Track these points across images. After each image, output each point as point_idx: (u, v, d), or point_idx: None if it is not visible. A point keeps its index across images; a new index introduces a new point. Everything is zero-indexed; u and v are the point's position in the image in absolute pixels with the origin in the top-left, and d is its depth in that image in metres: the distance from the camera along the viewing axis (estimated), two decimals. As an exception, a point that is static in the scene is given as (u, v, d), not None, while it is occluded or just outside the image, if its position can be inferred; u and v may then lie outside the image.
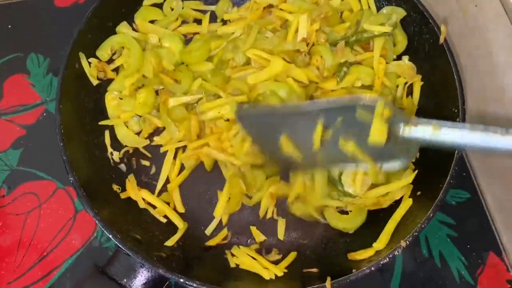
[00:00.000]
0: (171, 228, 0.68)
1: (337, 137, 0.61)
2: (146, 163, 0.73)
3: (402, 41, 0.74)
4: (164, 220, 0.69)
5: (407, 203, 0.65)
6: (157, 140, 0.73)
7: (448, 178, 0.60)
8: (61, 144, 0.62)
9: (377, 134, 0.58)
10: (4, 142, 0.84)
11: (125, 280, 0.57)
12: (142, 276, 0.57)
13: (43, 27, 0.93)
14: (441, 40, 0.68)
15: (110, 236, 0.58)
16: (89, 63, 0.72)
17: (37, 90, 0.88)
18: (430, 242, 0.77)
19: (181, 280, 0.55)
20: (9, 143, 0.83)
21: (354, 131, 0.61)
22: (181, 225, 0.68)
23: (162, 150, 0.72)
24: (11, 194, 0.80)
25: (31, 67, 0.90)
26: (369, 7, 0.76)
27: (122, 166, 0.72)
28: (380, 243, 0.63)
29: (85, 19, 0.70)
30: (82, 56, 0.70)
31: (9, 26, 0.93)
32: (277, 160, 0.66)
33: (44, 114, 0.86)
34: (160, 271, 0.56)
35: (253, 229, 0.69)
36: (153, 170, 0.73)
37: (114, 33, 0.75)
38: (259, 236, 0.69)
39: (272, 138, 0.64)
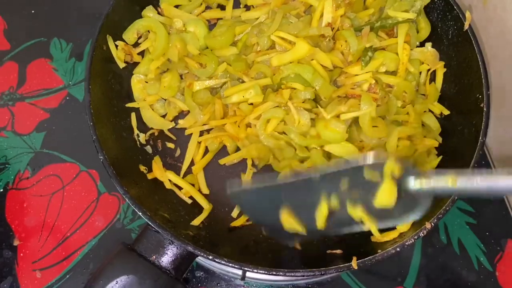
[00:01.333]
0: (196, 208, 0.69)
1: (343, 203, 0.56)
2: (171, 145, 0.74)
3: (425, 28, 0.74)
4: (189, 201, 0.69)
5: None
6: (181, 123, 0.73)
7: (472, 163, 0.60)
8: (91, 123, 0.63)
9: (386, 196, 0.53)
10: (28, 125, 0.84)
11: (154, 256, 0.57)
12: (171, 252, 0.58)
13: (66, 13, 0.94)
14: (466, 26, 0.68)
15: (140, 213, 0.58)
16: (116, 46, 0.72)
17: (59, 75, 0.88)
18: (449, 229, 0.77)
19: (210, 257, 0.55)
20: (33, 126, 0.84)
21: (361, 192, 0.55)
22: (206, 205, 0.68)
23: (186, 132, 0.72)
24: (35, 176, 0.80)
25: (54, 52, 0.90)
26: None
27: (148, 148, 0.73)
28: (404, 225, 0.64)
29: (112, 2, 0.70)
30: (109, 39, 0.71)
31: (32, 11, 0.93)
32: (281, 233, 0.59)
33: (67, 98, 0.87)
34: (189, 248, 0.56)
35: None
36: (178, 152, 0.74)
37: (140, 16, 0.76)
38: None
39: (272, 214, 0.58)
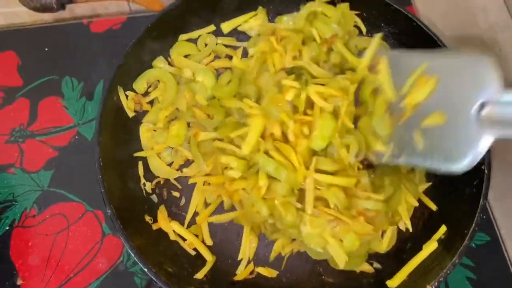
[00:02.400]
0: (199, 260, 0.70)
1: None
2: (176, 194, 0.75)
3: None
4: (193, 253, 0.70)
5: (432, 246, 0.66)
6: (186, 171, 0.74)
7: (473, 224, 0.61)
8: (100, 176, 0.64)
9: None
10: (37, 162, 0.85)
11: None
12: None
13: (78, 52, 0.95)
14: None
15: (146, 270, 0.59)
16: (126, 96, 0.73)
17: (70, 113, 0.90)
18: (449, 283, 0.77)
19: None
20: (42, 164, 0.85)
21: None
22: (209, 257, 0.69)
23: (190, 181, 0.73)
24: (41, 214, 0.81)
25: (65, 90, 0.92)
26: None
27: (154, 197, 0.74)
28: (394, 282, 0.65)
29: (125, 54, 0.71)
30: (120, 90, 0.72)
31: (46, 49, 0.95)
32: None
33: (76, 136, 0.88)
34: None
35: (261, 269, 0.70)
36: (182, 201, 0.75)
37: (150, 66, 0.77)
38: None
39: None
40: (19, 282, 0.76)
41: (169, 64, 0.78)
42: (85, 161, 0.85)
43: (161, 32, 0.77)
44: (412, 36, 0.74)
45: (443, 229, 0.67)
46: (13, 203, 0.82)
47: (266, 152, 0.65)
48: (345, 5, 0.78)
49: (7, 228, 0.80)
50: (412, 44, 0.73)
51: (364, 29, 0.80)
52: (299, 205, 0.65)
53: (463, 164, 0.54)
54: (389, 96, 0.63)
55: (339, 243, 0.64)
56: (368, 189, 0.65)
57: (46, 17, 0.99)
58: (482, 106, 0.51)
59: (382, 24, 0.79)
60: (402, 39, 0.78)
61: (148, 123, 0.75)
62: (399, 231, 0.71)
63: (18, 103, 0.90)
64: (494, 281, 0.78)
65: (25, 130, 0.88)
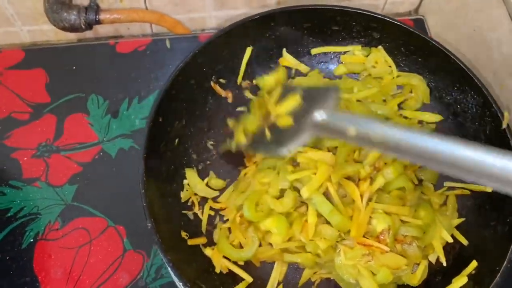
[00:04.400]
0: (230, 278, 0.71)
1: None
2: (211, 212, 0.77)
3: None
4: (226, 270, 0.71)
5: (461, 281, 0.66)
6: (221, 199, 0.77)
7: (505, 261, 0.62)
8: (142, 191, 0.65)
9: None
10: (62, 177, 0.87)
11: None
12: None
13: (104, 71, 0.97)
14: (504, 125, 0.71)
15: (181, 283, 0.60)
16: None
17: (94, 130, 0.92)
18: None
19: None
20: (66, 178, 0.87)
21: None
22: (247, 278, 0.70)
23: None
24: (64, 228, 0.82)
25: (91, 107, 0.94)
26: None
27: (190, 214, 0.76)
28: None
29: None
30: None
31: (74, 68, 0.97)
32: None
33: (101, 153, 0.89)
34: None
35: None
36: (217, 219, 0.77)
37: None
38: None
39: None
40: (41, 294, 0.77)
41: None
42: (109, 178, 0.87)
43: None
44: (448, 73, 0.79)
45: (473, 264, 0.67)
46: (38, 216, 0.83)
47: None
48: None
49: (31, 240, 0.81)
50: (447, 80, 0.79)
51: (395, 73, 0.84)
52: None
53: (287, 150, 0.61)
54: None
55: (372, 275, 0.65)
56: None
57: (71, 36, 1.02)
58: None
59: (420, 60, 0.82)
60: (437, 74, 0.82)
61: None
62: (429, 264, 0.71)
63: (45, 119, 0.92)
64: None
65: (51, 145, 0.90)
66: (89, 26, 0.99)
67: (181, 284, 0.61)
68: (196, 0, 0.98)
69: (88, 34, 1.02)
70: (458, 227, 0.74)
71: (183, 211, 0.76)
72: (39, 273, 0.79)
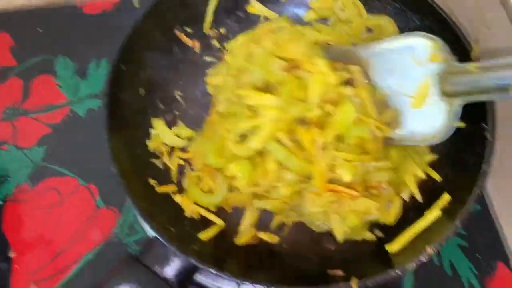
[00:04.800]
0: (201, 223, 0.70)
1: None
2: (181, 162, 0.75)
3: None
4: (198, 217, 0.70)
5: (434, 214, 0.65)
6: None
7: (475, 188, 0.61)
8: (108, 136, 0.64)
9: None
10: (30, 139, 0.85)
11: (157, 267, 0.58)
12: (175, 265, 0.59)
13: (72, 33, 0.96)
14: (473, 58, 0.69)
15: (149, 227, 0.59)
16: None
17: (63, 91, 0.90)
18: (441, 251, 0.78)
19: (212, 271, 0.56)
20: (35, 140, 0.85)
21: None
22: (219, 222, 0.69)
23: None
24: (34, 189, 0.80)
25: (59, 69, 0.92)
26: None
27: (159, 163, 0.74)
28: (393, 246, 0.65)
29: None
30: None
31: (40, 30, 0.95)
32: None
33: (70, 114, 0.87)
34: (193, 261, 0.57)
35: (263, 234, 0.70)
36: (187, 168, 0.75)
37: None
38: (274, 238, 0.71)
39: None
40: (11, 254, 0.75)
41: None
42: (78, 138, 0.85)
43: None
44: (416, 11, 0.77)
45: (446, 196, 0.67)
46: (6, 178, 0.81)
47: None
48: None
49: (0, 203, 0.79)
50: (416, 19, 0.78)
51: (364, 15, 0.82)
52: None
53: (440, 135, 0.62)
54: None
55: (341, 219, 0.64)
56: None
57: (40, 2, 0.99)
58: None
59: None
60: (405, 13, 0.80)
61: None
62: (404, 202, 0.71)
63: (11, 82, 0.90)
64: (485, 248, 0.78)
65: (18, 108, 0.88)
66: (55, -11, 0.97)
67: (151, 229, 0.59)
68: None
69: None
70: (431, 165, 0.73)
71: (152, 160, 0.74)
72: (8, 234, 0.77)
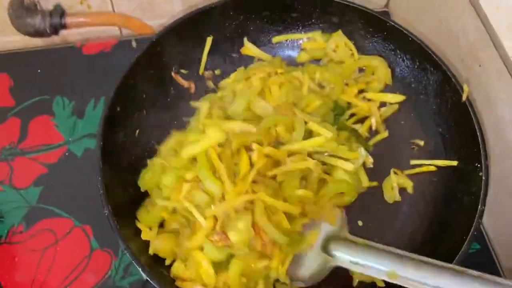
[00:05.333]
0: None
1: None
2: None
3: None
4: None
5: None
6: None
7: (471, 231, 0.61)
8: (100, 178, 0.64)
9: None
10: (26, 179, 0.84)
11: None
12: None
13: (70, 73, 0.96)
14: (464, 98, 0.71)
15: (141, 270, 0.59)
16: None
17: (60, 131, 0.90)
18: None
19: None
20: (31, 180, 0.84)
21: None
22: None
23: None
24: (29, 230, 0.79)
25: (56, 109, 0.92)
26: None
27: None
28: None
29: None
30: None
31: (38, 71, 0.96)
32: None
33: (66, 153, 0.87)
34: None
35: None
36: None
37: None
38: None
39: None
40: (4, 298, 0.74)
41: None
42: (75, 178, 0.84)
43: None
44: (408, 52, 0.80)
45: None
46: (1, 219, 0.81)
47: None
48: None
49: (-6, 244, 0.78)
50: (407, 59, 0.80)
51: (356, 56, 0.83)
52: None
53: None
54: None
55: None
56: None
57: (39, 42, 1.01)
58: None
59: (379, 41, 0.82)
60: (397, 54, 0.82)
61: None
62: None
63: (9, 122, 0.90)
64: None
65: (15, 148, 0.88)
66: (55, 30, 0.98)
67: (142, 272, 0.59)
68: (164, 4, 0.98)
69: (56, 40, 1.01)
70: (426, 204, 0.73)
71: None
72: (2, 278, 0.76)
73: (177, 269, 0.65)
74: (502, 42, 0.71)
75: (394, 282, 0.57)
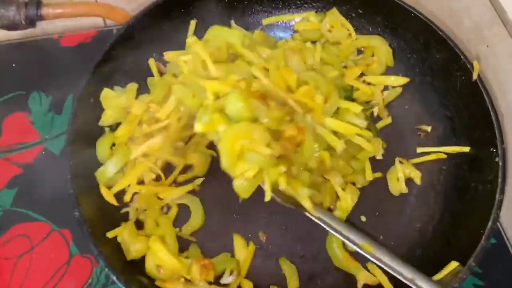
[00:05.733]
0: None
1: None
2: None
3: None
4: None
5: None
6: None
7: (489, 225, 0.54)
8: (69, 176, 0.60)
9: None
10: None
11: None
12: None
13: (48, 66, 0.90)
14: (474, 76, 0.65)
15: (115, 277, 0.55)
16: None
17: (37, 128, 0.83)
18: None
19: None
20: (4, 183, 0.78)
21: None
22: None
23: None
24: (2, 237, 0.73)
25: (33, 105, 0.86)
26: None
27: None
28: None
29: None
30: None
31: (13, 65, 0.90)
32: None
33: (43, 152, 0.81)
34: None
35: None
36: None
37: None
38: None
39: None
40: (-25, 310, 0.67)
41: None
42: (52, 178, 0.77)
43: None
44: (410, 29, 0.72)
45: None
46: (-29, 225, 0.74)
47: None
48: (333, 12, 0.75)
49: (-36, 253, 0.72)
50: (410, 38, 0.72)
51: (354, 36, 0.77)
52: None
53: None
54: None
55: None
56: None
57: (14, 35, 0.95)
58: None
59: (378, 19, 0.76)
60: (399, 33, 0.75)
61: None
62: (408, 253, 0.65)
63: (-18, 121, 0.84)
64: (501, 285, 0.70)
65: (-12, 148, 0.82)
66: (31, 22, 0.92)
67: (116, 280, 0.52)
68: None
69: (36, 32, 0.94)
70: (436, 195, 0.66)
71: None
72: (-28, 288, 0.69)
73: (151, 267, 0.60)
74: (511, 18, 0.64)
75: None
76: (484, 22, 0.71)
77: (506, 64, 0.67)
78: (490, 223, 0.54)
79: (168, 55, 0.71)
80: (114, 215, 0.66)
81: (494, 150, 0.60)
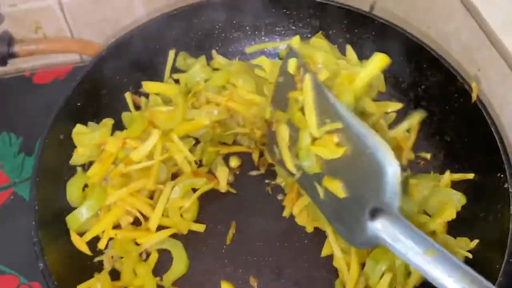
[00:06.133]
0: None
1: None
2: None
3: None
4: None
5: None
6: None
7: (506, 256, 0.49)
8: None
9: None
10: (-38, 231, 0.72)
11: None
12: None
13: (19, 105, 0.85)
14: (474, 97, 0.61)
15: None
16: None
17: (5, 171, 0.78)
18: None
19: None
20: (-32, 232, 0.72)
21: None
22: None
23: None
24: (-37, 296, 0.66)
25: (2, 147, 0.81)
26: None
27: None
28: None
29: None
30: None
31: (-19, 105, 0.85)
32: None
33: (12, 197, 0.75)
34: None
35: None
36: None
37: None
38: None
39: None
40: None
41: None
42: (22, 226, 0.71)
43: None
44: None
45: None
46: None
47: None
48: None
49: None
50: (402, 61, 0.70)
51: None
52: None
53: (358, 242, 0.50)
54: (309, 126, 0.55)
55: None
56: None
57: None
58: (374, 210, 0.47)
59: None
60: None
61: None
62: None
63: None
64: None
65: (-48, 195, 0.75)
66: (2, 60, 0.87)
67: None
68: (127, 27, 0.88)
69: (9, 69, 0.89)
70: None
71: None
72: None
73: None
74: (502, 39, 0.61)
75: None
76: (474, 45, 0.68)
77: (500, 87, 0.64)
78: (505, 258, 0.49)
79: (147, 86, 0.67)
80: (87, 264, 0.61)
81: (502, 176, 0.55)
